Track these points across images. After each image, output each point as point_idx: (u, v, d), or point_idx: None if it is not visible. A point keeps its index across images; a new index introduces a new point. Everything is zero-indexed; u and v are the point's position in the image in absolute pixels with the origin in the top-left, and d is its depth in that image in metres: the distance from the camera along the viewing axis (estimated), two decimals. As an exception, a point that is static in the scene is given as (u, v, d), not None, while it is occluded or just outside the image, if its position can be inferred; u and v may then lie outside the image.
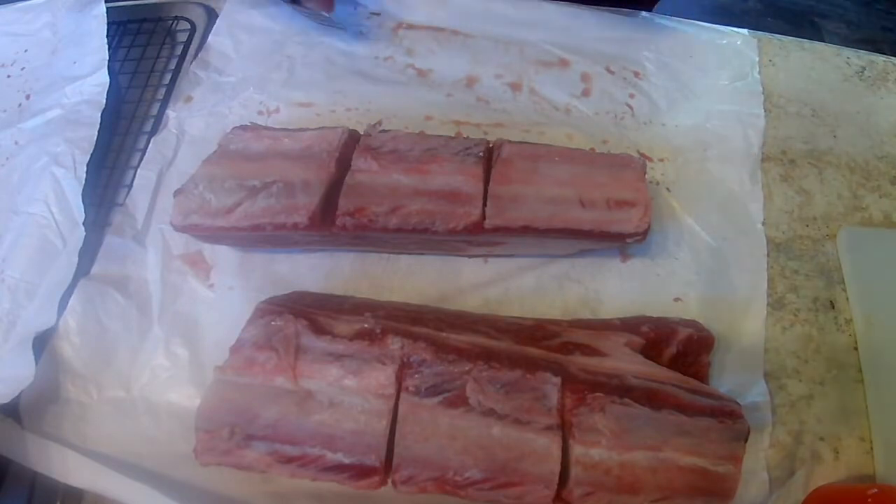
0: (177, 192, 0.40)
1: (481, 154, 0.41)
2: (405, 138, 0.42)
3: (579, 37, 0.53)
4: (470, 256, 0.44)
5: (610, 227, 0.39)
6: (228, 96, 0.51)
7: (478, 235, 0.39)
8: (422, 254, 0.44)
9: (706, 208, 0.46)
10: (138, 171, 0.47)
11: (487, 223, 0.39)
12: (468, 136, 0.47)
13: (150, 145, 0.48)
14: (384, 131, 0.42)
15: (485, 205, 0.39)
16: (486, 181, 0.40)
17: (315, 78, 0.52)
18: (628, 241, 0.40)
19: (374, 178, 0.40)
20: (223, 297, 0.43)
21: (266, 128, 0.43)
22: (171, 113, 0.50)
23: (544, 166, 0.41)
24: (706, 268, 0.44)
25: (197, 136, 0.49)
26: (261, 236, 0.40)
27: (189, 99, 0.51)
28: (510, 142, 0.42)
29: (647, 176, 0.41)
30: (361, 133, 0.43)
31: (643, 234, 0.39)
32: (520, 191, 0.39)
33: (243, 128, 0.43)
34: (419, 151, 0.41)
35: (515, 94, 0.51)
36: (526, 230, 0.39)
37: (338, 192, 0.39)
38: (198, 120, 0.50)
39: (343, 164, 0.41)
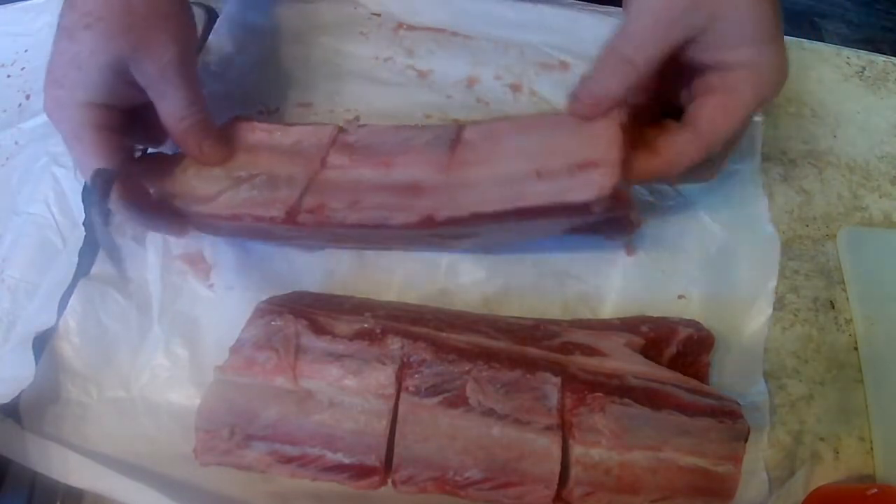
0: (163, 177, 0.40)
1: (453, 138, 0.39)
2: (381, 131, 0.40)
3: (579, 39, 0.53)
4: (454, 251, 0.44)
5: (566, 195, 0.34)
6: (229, 97, 0.51)
7: (436, 229, 0.37)
8: (408, 250, 0.44)
9: (713, 205, 0.46)
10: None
11: (438, 215, 0.36)
12: (440, 125, 0.44)
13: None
14: (362, 126, 0.42)
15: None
16: (448, 166, 0.38)
17: (314, 78, 0.52)
18: (595, 210, 0.35)
19: (341, 174, 0.39)
20: (223, 297, 0.43)
21: (262, 121, 0.43)
22: None
23: (505, 143, 0.37)
24: (712, 265, 0.44)
25: None
26: (241, 227, 0.39)
27: None
28: (476, 122, 0.39)
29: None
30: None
31: (609, 200, 0.34)
32: (473, 174, 0.37)
33: (238, 118, 0.43)
34: (392, 144, 0.39)
35: (516, 96, 0.51)
36: (476, 218, 0.36)
37: None
38: None
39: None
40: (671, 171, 0.37)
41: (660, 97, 0.39)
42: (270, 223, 0.38)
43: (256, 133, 0.41)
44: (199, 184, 0.39)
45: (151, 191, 0.39)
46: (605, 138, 0.35)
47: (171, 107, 0.37)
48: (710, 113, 0.35)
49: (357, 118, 0.48)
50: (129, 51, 0.34)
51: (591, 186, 0.34)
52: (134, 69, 0.35)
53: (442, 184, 0.37)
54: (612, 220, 0.38)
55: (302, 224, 0.38)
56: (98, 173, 0.35)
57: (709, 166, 0.38)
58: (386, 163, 0.39)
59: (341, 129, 0.41)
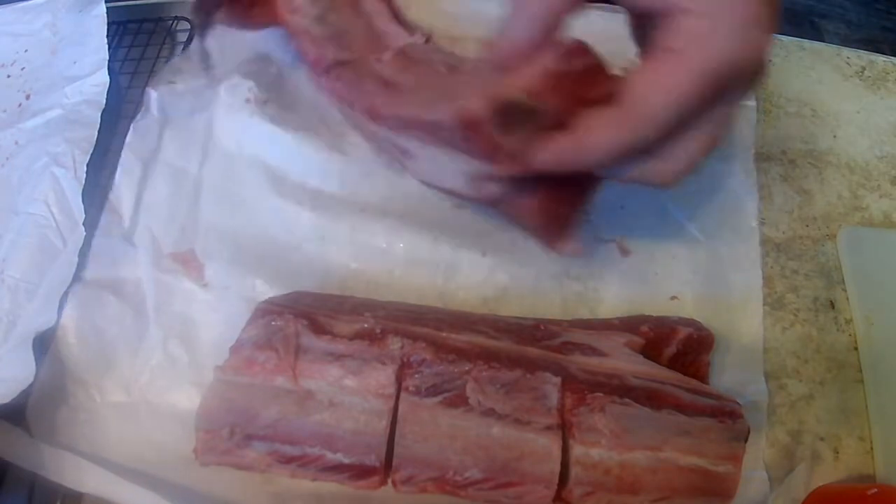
0: None
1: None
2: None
3: (574, 36, 0.53)
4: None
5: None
6: (215, 80, 0.49)
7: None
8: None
9: (702, 206, 0.46)
10: (120, 161, 0.46)
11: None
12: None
13: (130, 132, 0.46)
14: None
15: None
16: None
17: (309, 77, 0.51)
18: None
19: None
20: (219, 296, 0.43)
21: None
22: (152, 92, 0.48)
23: None
24: (702, 266, 0.44)
25: (181, 120, 0.47)
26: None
27: (172, 82, 0.49)
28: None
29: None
30: None
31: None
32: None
33: None
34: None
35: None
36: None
37: None
38: (183, 102, 0.48)
39: None
40: (584, 156, 0.29)
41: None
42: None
43: None
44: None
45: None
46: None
47: None
48: (642, 82, 0.27)
49: None
50: None
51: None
52: None
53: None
54: None
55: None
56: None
57: (660, 162, 0.31)
58: None
59: None
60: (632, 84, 0.27)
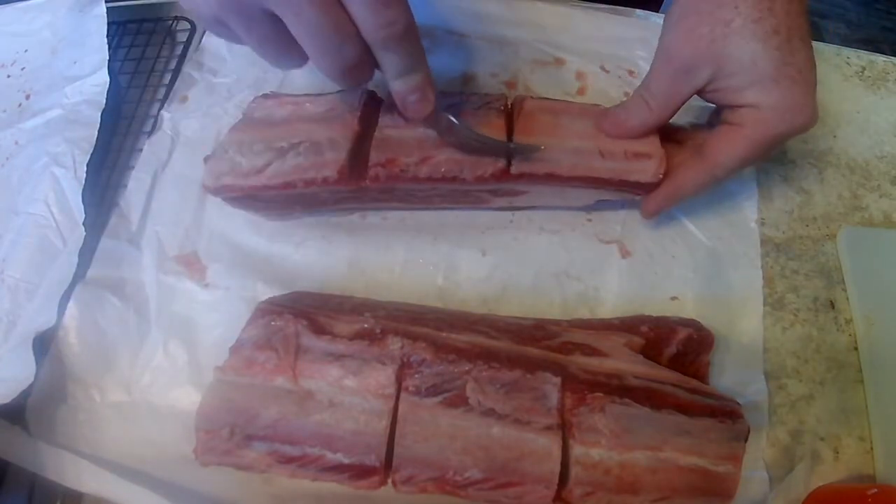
0: (207, 158, 0.41)
1: (502, 108, 0.43)
2: None
3: (573, 36, 0.54)
4: (494, 209, 0.46)
5: (629, 175, 0.41)
6: (224, 98, 0.50)
7: (503, 183, 0.41)
8: (445, 208, 0.45)
9: (701, 206, 0.46)
10: (133, 172, 0.47)
11: (514, 169, 0.40)
12: (487, 93, 0.47)
13: (145, 147, 0.48)
14: None
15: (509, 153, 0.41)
16: (509, 132, 0.42)
17: (310, 78, 0.52)
18: (645, 189, 0.42)
19: (401, 132, 0.41)
20: (220, 297, 0.43)
21: (287, 95, 0.44)
22: (165, 114, 0.49)
23: (564, 120, 0.42)
24: (702, 266, 0.44)
25: (192, 137, 0.49)
26: (292, 195, 0.41)
27: (184, 99, 0.50)
28: (531, 97, 0.44)
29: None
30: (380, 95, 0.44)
31: (659, 185, 0.42)
32: (543, 141, 0.41)
33: (265, 96, 0.44)
34: (444, 106, 0.41)
35: (511, 93, 0.51)
36: (550, 177, 0.41)
37: (363, 149, 0.41)
38: (193, 121, 0.49)
39: (365, 122, 0.42)
40: (678, 193, 0.42)
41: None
42: (324, 184, 0.40)
43: (286, 106, 0.43)
44: (243, 159, 0.40)
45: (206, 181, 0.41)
46: (649, 138, 0.42)
47: None
48: (717, 142, 0.40)
49: None
50: None
51: (647, 172, 0.41)
52: None
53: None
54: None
55: (374, 179, 0.40)
56: None
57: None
58: None
59: (372, 94, 0.43)
60: (710, 144, 0.40)
